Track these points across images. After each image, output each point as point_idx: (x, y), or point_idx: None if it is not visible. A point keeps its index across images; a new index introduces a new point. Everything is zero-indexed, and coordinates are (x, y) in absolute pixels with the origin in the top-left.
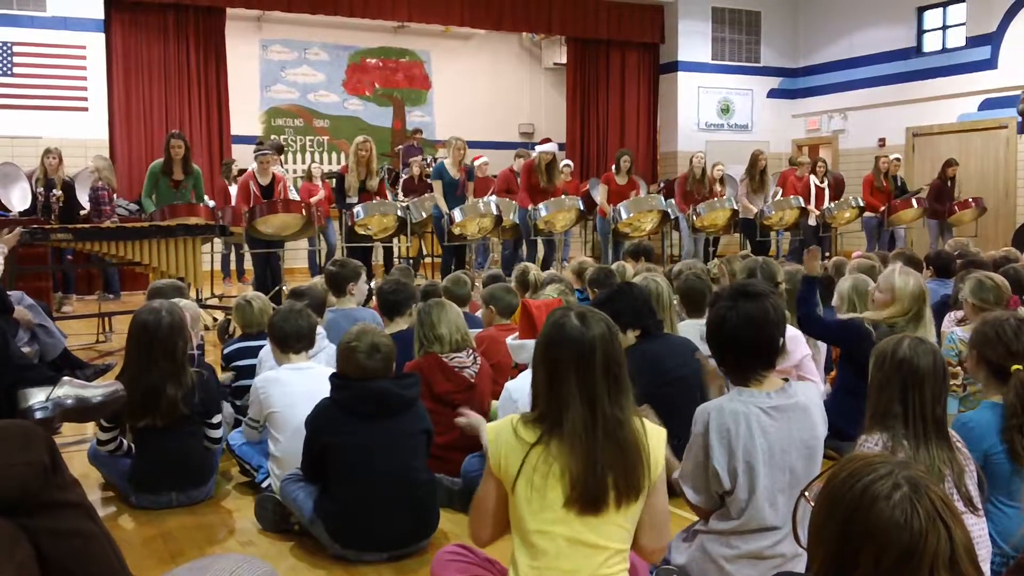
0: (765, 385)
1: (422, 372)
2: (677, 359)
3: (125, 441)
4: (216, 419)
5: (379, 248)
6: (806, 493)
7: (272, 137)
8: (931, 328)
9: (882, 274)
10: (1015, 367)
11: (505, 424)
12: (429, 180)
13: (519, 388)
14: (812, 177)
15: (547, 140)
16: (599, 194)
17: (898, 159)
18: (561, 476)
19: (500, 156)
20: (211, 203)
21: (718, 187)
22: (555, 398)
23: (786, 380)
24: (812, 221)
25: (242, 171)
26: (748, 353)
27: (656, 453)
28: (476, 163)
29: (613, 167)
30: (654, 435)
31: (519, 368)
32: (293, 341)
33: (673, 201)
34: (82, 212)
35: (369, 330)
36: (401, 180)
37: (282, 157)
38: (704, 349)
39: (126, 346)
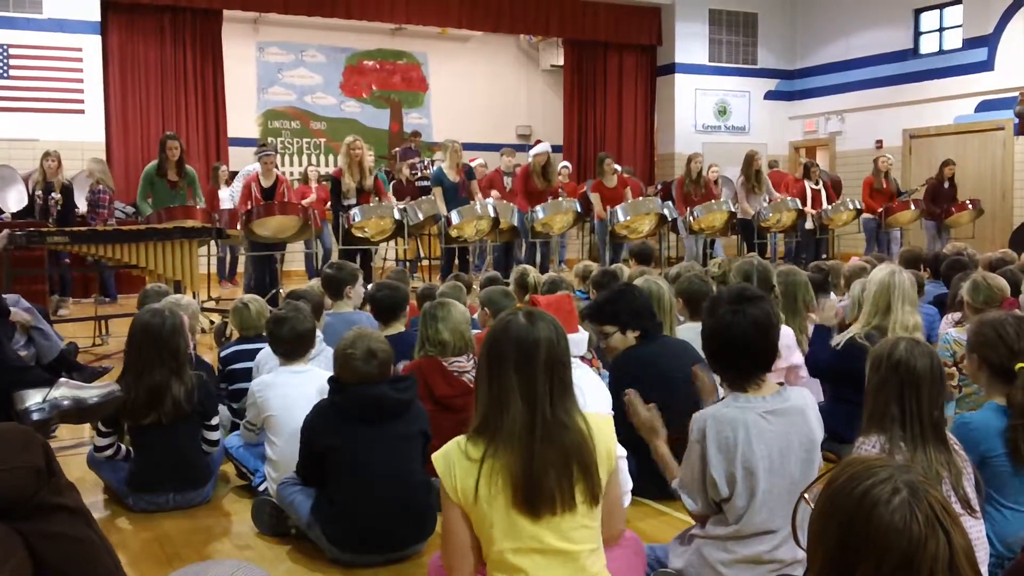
0: (762, 390)
1: (422, 374)
2: (675, 361)
3: (123, 446)
4: (214, 421)
5: (380, 249)
6: (806, 495)
7: (268, 139)
8: (901, 320)
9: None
10: (1020, 365)
11: (452, 448)
12: (424, 183)
13: None
14: (806, 180)
15: (539, 142)
16: (595, 201)
17: (889, 158)
18: (507, 481)
19: (497, 158)
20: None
21: (714, 188)
22: (496, 397)
23: (781, 384)
24: (809, 224)
25: (234, 174)
26: (751, 358)
27: (608, 444)
28: (473, 164)
29: (597, 173)
30: (600, 427)
31: None
32: (288, 348)
33: (671, 203)
34: (79, 215)
35: (365, 335)
36: (392, 183)
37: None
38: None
39: (127, 348)
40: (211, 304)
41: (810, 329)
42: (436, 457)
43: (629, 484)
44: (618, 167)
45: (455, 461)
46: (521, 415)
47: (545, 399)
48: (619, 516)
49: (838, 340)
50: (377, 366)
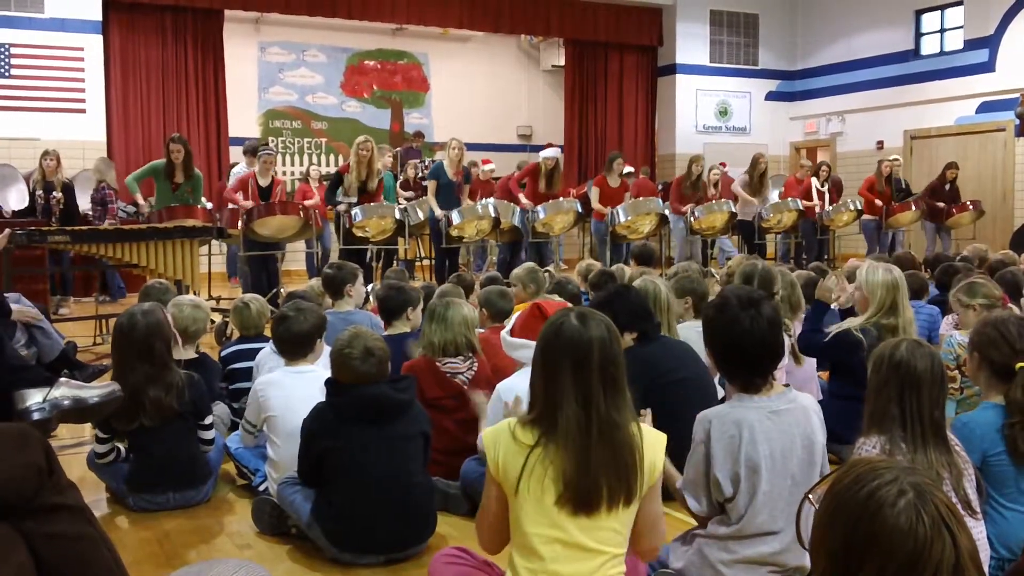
0: (771, 390)
1: (415, 375)
2: (674, 362)
3: (121, 448)
4: (207, 420)
5: (378, 250)
6: (810, 496)
7: (269, 139)
8: (906, 315)
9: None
10: (1020, 364)
11: (503, 428)
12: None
13: (508, 388)
14: (814, 179)
15: (551, 145)
16: (593, 196)
17: (898, 159)
18: (556, 477)
19: (498, 158)
20: (208, 205)
21: (712, 191)
22: (551, 398)
23: (787, 386)
24: (818, 210)
25: None
26: (765, 358)
27: (654, 458)
28: (485, 167)
29: (604, 170)
30: (652, 440)
31: None
32: (286, 348)
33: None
34: (88, 215)
35: (361, 334)
36: (398, 182)
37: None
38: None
39: (111, 351)
40: (211, 304)
41: (797, 328)
42: (486, 432)
43: None
44: (630, 168)
45: (502, 440)
46: (576, 416)
47: (600, 398)
48: (660, 532)
49: (831, 329)
50: (375, 364)
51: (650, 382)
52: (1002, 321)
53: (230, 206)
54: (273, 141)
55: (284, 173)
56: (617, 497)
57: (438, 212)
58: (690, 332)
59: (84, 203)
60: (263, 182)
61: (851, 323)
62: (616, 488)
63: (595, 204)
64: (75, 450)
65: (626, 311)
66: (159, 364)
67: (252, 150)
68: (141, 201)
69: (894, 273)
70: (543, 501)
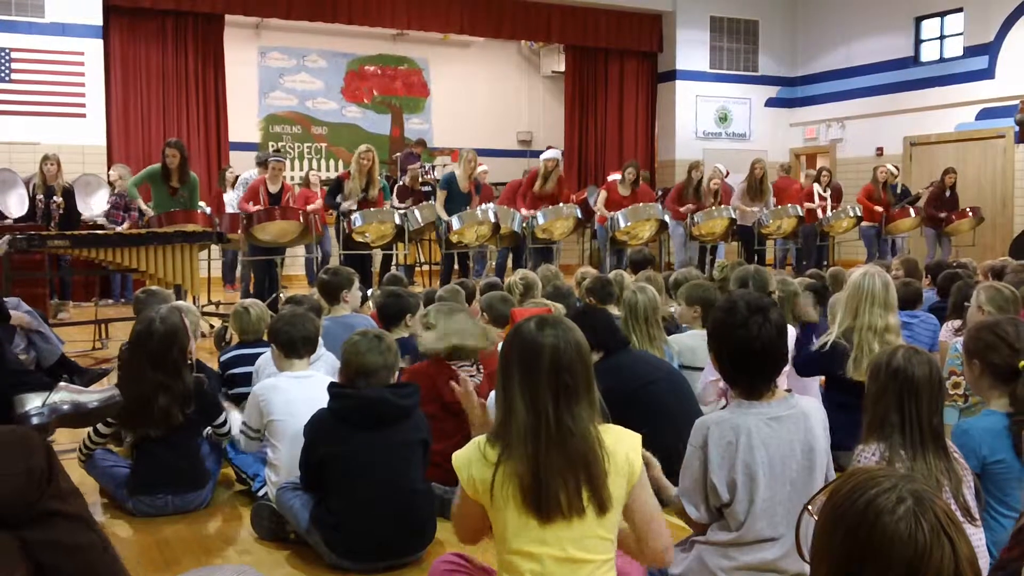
0: (772, 396)
1: (431, 378)
2: (641, 367)
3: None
4: (219, 419)
5: (377, 255)
6: (809, 507)
7: (270, 144)
8: (867, 319)
9: None
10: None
11: (472, 448)
12: (426, 188)
13: None
14: (816, 186)
15: (550, 148)
16: (597, 199)
17: (896, 168)
18: (516, 485)
19: (498, 164)
20: (207, 209)
21: (711, 200)
22: (507, 404)
23: (789, 391)
24: (819, 214)
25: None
26: (770, 364)
27: (629, 458)
28: (477, 169)
29: (619, 175)
30: (624, 441)
31: None
32: (298, 345)
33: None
34: (97, 220)
35: (373, 330)
36: (395, 189)
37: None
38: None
39: (122, 355)
40: (211, 308)
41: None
42: (457, 455)
43: None
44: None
45: (473, 460)
46: (526, 421)
47: (548, 404)
48: (656, 532)
49: (820, 343)
50: (380, 355)
51: (616, 389)
52: (997, 324)
53: (229, 211)
54: (273, 146)
55: (284, 178)
56: (577, 504)
57: (445, 218)
58: (697, 340)
59: (89, 208)
60: (272, 188)
61: (833, 333)
62: (575, 495)
63: (599, 207)
64: (73, 455)
65: (591, 332)
66: (172, 372)
67: (263, 162)
68: (143, 206)
69: (864, 279)
70: (518, 515)
